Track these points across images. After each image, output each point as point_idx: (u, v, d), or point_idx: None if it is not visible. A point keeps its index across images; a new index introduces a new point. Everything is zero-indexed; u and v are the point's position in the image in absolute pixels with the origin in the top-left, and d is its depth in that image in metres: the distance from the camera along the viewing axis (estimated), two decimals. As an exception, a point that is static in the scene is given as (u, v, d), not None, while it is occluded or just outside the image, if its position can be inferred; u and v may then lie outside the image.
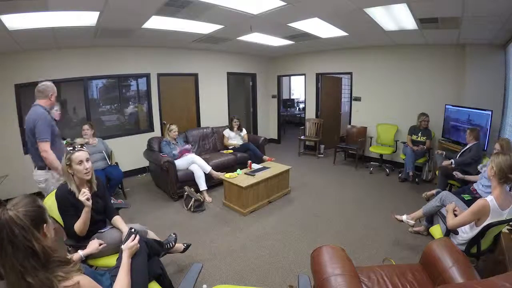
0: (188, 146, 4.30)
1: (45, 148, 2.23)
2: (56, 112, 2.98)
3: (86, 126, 3.74)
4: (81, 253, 1.58)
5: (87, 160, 1.77)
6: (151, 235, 2.10)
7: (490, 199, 1.86)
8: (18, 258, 0.82)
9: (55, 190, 1.87)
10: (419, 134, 4.46)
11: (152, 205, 3.73)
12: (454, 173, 3.19)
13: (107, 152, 3.89)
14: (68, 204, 1.72)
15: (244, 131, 5.27)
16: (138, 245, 1.49)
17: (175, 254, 2.31)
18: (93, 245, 1.64)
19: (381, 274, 1.61)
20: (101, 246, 1.67)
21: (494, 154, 2.11)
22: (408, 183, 4.40)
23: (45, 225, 0.95)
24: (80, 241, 1.74)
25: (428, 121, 4.43)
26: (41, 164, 2.32)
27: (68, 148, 1.79)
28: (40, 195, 2.48)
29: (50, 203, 1.84)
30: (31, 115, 2.30)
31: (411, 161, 4.24)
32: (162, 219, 3.31)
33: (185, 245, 2.31)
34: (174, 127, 4.21)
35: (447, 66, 4.55)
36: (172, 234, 2.27)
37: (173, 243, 2.21)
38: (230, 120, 5.37)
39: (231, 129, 5.21)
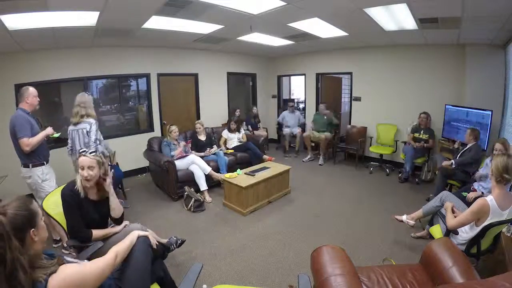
0: (187, 150, 4.27)
1: (26, 144, 2.39)
2: None
3: None
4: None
5: (90, 167, 1.72)
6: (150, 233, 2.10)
7: (489, 199, 1.87)
8: None
9: (61, 187, 1.87)
10: (421, 132, 4.48)
11: (152, 205, 3.73)
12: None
13: (109, 152, 3.88)
14: (73, 203, 1.72)
15: (242, 131, 5.27)
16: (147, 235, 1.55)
17: (174, 253, 2.31)
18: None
19: (381, 274, 1.61)
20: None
21: (496, 154, 2.12)
22: (408, 183, 4.40)
23: (32, 230, 0.95)
24: (83, 242, 1.73)
25: (426, 118, 4.43)
26: (24, 162, 2.50)
27: (80, 150, 1.80)
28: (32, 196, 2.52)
29: (49, 203, 1.85)
30: (10, 118, 2.45)
31: (410, 158, 4.27)
32: (162, 219, 3.31)
33: (179, 240, 2.32)
34: (174, 128, 4.20)
35: (447, 66, 4.54)
36: (173, 236, 2.28)
37: (175, 246, 2.22)
38: (229, 122, 5.34)
39: (230, 130, 5.19)
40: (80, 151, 1.80)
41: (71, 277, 0.96)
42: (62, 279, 0.93)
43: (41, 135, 2.48)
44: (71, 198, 1.72)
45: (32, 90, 2.53)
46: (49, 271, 0.92)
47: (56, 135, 2.63)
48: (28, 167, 2.49)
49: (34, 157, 2.49)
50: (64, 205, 1.73)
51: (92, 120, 2.79)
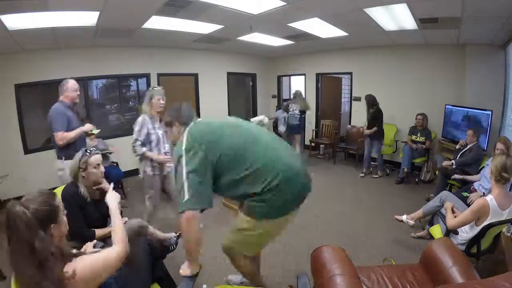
0: None
1: (59, 138, 2.38)
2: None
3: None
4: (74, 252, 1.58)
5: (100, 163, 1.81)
6: (151, 230, 2.12)
7: (489, 198, 1.88)
8: (16, 251, 0.87)
9: (62, 186, 1.87)
10: (418, 134, 4.48)
11: (152, 205, 3.73)
12: (453, 176, 3.21)
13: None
14: (75, 204, 1.73)
15: None
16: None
17: (174, 253, 2.31)
18: (88, 247, 1.63)
19: (381, 274, 1.61)
20: (95, 248, 1.65)
21: (496, 154, 2.13)
22: (407, 183, 4.40)
23: (53, 225, 0.97)
24: (84, 242, 1.73)
25: (422, 119, 4.40)
26: (58, 154, 2.49)
27: (85, 151, 1.81)
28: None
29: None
30: (49, 111, 2.46)
31: (407, 158, 4.29)
32: (162, 219, 3.31)
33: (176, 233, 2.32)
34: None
35: (447, 66, 4.54)
36: (173, 236, 2.28)
37: (175, 246, 2.22)
38: None
39: None
40: (86, 151, 1.80)
41: (89, 266, 0.98)
42: (80, 268, 0.95)
43: (77, 131, 2.47)
44: (73, 199, 1.72)
45: (72, 83, 2.52)
46: (68, 259, 0.95)
47: (96, 131, 2.61)
48: (61, 159, 2.47)
49: (68, 151, 2.45)
50: (66, 205, 1.72)
51: (139, 118, 2.66)
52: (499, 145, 2.70)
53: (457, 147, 3.71)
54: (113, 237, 1.25)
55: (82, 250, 1.60)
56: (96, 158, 1.77)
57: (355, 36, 4.41)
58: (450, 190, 3.10)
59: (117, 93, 5.01)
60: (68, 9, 2.68)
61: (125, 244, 1.19)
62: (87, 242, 1.71)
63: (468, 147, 3.44)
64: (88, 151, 1.80)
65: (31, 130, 4.03)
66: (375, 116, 4.55)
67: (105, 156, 3.69)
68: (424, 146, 4.34)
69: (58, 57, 4.08)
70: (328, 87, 6.63)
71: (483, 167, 3.00)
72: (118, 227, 1.28)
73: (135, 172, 4.96)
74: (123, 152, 4.58)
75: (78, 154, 1.78)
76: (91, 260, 1.02)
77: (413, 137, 4.52)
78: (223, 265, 2.42)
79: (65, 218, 1.06)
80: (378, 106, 4.60)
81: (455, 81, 4.49)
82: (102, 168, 1.79)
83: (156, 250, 1.65)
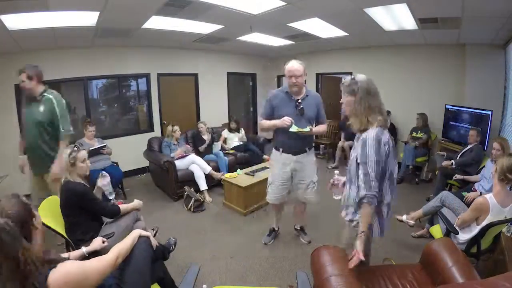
0: (188, 150, 4.31)
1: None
2: None
3: (93, 128, 3.79)
4: (84, 249, 1.59)
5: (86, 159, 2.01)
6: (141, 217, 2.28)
7: (489, 196, 1.92)
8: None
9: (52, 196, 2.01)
10: (419, 132, 4.52)
11: (152, 205, 3.73)
12: (454, 177, 3.20)
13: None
14: (91, 192, 1.94)
15: (242, 131, 5.27)
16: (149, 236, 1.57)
17: (174, 253, 2.31)
18: (96, 242, 1.66)
19: (381, 274, 1.61)
20: (104, 243, 1.68)
21: (499, 155, 2.19)
22: (407, 183, 4.39)
23: (33, 218, 1.02)
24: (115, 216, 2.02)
25: (419, 119, 4.47)
26: None
27: (73, 147, 1.96)
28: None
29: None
30: None
31: (411, 155, 4.31)
32: (162, 219, 3.31)
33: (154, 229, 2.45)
34: (177, 128, 4.23)
35: (447, 66, 4.54)
36: (172, 238, 2.29)
37: (174, 247, 2.22)
38: (229, 121, 5.35)
39: (230, 130, 5.20)
40: (75, 147, 1.98)
41: (72, 274, 0.97)
42: (63, 274, 0.93)
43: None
44: (86, 187, 1.90)
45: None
46: (49, 266, 0.93)
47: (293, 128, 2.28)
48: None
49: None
50: (88, 198, 1.89)
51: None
52: (495, 145, 2.74)
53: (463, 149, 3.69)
54: (116, 245, 1.33)
55: (90, 247, 1.62)
56: (83, 153, 1.95)
57: (355, 36, 4.41)
58: (450, 190, 3.10)
59: (117, 93, 5.01)
60: (68, 9, 2.68)
61: (118, 256, 1.25)
62: (115, 217, 1.98)
63: (468, 147, 3.44)
64: (76, 147, 1.96)
65: (31, 130, 4.03)
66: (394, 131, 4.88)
67: (99, 151, 3.70)
68: (422, 140, 4.35)
69: (58, 57, 4.08)
70: (328, 87, 6.62)
71: (483, 167, 3.00)
72: (125, 243, 1.37)
73: (135, 172, 4.97)
74: (123, 152, 4.60)
75: (67, 151, 1.92)
76: (74, 267, 1.01)
77: (414, 134, 4.57)
78: (223, 265, 2.42)
79: (37, 212, 1.07)
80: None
81: (455, 81, 4.48)
82: (88, 163, 1.99)
83: (158, 251, 1.64)
